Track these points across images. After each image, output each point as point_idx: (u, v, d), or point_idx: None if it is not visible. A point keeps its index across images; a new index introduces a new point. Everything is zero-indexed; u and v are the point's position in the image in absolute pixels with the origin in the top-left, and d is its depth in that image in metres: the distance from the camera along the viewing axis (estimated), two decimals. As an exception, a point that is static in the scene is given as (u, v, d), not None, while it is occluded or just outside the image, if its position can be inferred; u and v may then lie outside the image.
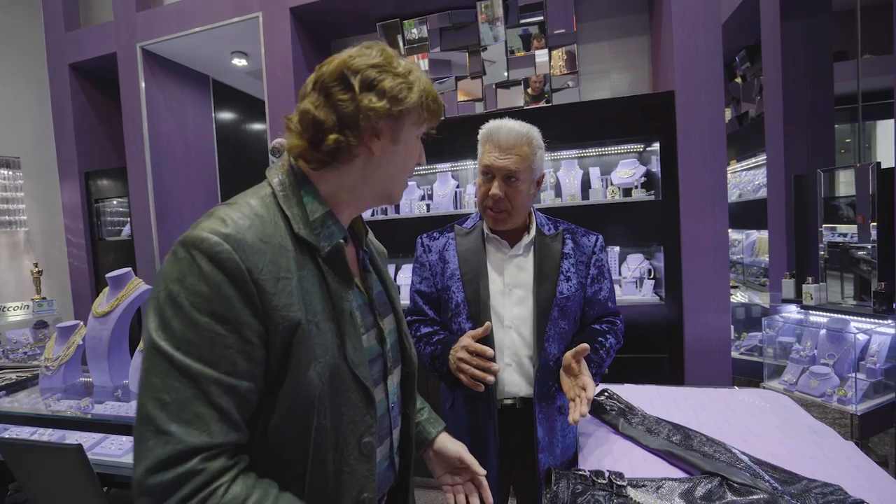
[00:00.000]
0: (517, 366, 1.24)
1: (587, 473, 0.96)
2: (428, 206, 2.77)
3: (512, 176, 1.20)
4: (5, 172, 3.22)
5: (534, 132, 1.21)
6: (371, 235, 0.94)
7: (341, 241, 0.73)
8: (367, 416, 0.73)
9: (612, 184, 2.56)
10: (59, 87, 3.50)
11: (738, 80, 4.24)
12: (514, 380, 1.25)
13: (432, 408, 1.03)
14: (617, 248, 2.57)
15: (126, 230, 3.62)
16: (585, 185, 2.63)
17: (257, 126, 4.33)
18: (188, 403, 0.59)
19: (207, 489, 0.59)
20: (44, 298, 3.15)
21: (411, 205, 2.82)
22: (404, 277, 2.86)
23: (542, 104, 2.77)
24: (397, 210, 2.88)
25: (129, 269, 2.06)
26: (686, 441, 1.13)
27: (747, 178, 4.10)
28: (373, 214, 2.86)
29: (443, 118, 2.74)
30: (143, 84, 3.25)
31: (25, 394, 2.07)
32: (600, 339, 1.25)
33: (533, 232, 1.30)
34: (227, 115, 4.00)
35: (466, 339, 1.13)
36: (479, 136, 1.25)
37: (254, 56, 3.43)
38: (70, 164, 3.51)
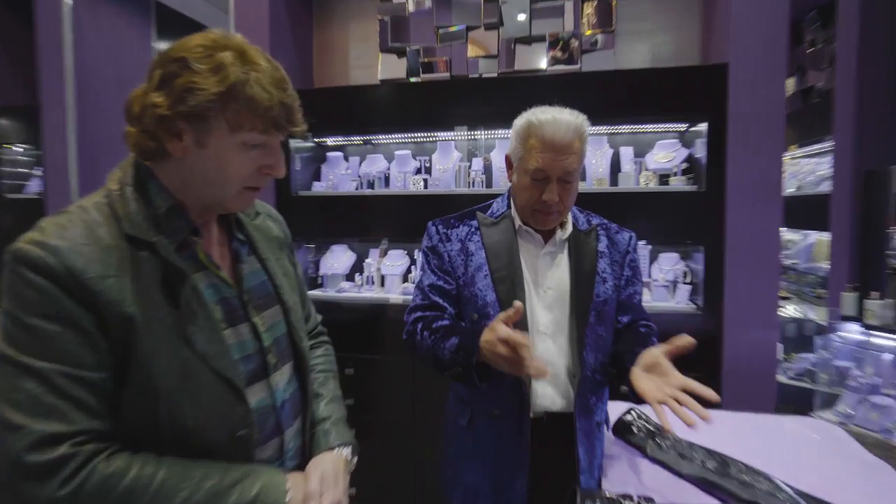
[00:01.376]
0: (552, 377, 1.33)
1: (614, 496, 1.08)
2: (425, 181, 2.81)
3: (569, 178, 1.29)
4: None
5: (584, 121, 1.30)
6: (263, 220, 1.08)
7: (160, 238, 0.85)
8: (237, 409, 0.88)
9: (646, 168, 2.64)
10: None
11: (807, 44, 4.32)
12: (547, 392, 1.34)
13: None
14: (648, 246, 2.65)
15: (32, 186, 3.47)
16: (615, 167, 2.70)
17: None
18: (41, 398, 0.76)
19: (86, 468, 0.77)
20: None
21: (405, 179, 2.84)
22: (391, 266, 2.92)
23: (562, 64, 2.83)
24: (387, 183, 2.92)
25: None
26: (723, 468, 1.25)
27: (808, 168, 4.19)
28: (357, 188, 2.94)
29: (421, 91, 2.81)
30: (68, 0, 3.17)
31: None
32: (643, 341, 1.32)
33: (569, 227, 1.39)
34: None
35: (501, 328, 1.14)
36: (517, 128, 1.33)
37: (214, -20, 3.43)
38: (-42, 97, 3.34)
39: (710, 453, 1.31)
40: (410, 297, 2.84)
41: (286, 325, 1.03)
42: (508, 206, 1.43)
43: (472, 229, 1.43)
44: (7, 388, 0.76)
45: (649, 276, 2.64)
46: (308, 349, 1.08)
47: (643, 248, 2.65)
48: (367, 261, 3.01)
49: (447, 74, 2.99)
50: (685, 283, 2.57)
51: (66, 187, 3.20)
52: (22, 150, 3.56)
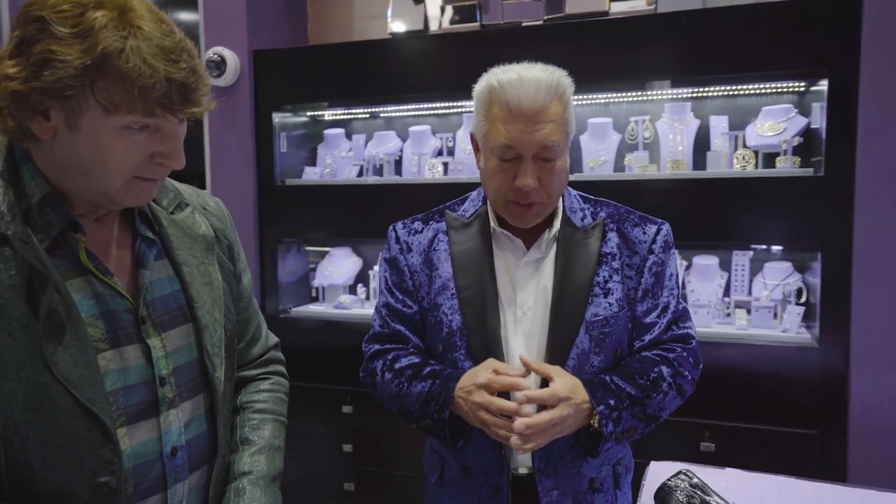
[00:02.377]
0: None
1: None
2: (446, 164, 2.75)
3: (548, 155, 1.23)
4: None
5: (563, 78, 1.25)
6: (189, 214, 1.09)
7: (17, 231, 0.86)
8: (102, 450, 0.87)
9: (745, 145, 2.49)
10: None
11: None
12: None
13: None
14: (749, 252, 2.53)
15: None
16: (702, 144, 2.58)
17: (187, 16, 4.21)
18: None
19: None
20: None
21: (420, 162, 2.78)
22: None
23: (631, 3, 2.60)
24: (398, 170, 2.90)
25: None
26: None
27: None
28: (360, 174, 2.94)
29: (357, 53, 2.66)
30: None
31: None
32: (636, 366, 1.30)
33: (557, 224, 1.34)
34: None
35: (485, 374, 1.20)
36: (477, 95, 1.29)
37: None
38: None
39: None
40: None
41: (197, 348, 1.03)
42: (484, 202, 1.40)
43: (439, 234, 1.41)
44: None
45: (749, 293, 2.52)
46: (222, 381, 1.06)
47: (741, 257, 2.52)
48: (375, 268, 2.96)
49: (476, 24, 2.82)
50: (797, 304, 2.43)
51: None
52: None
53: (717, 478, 1.45)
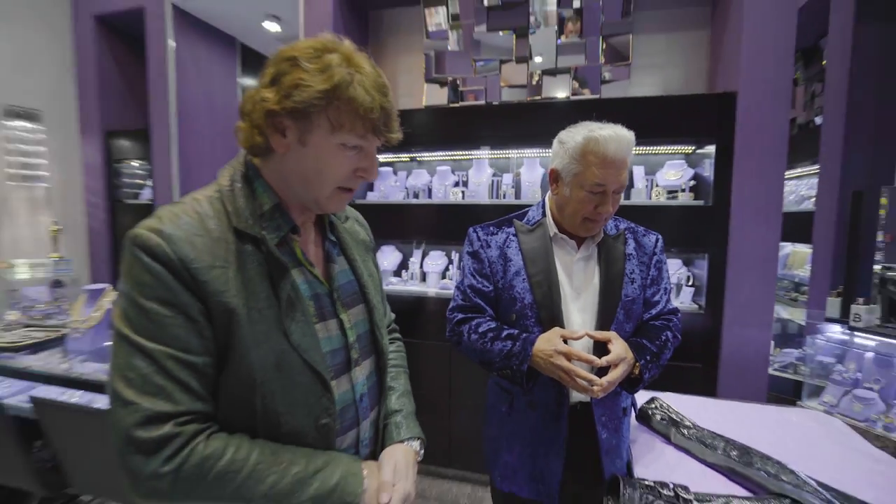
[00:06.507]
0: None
1: (652, 483, 0.97)
2: (463, 192, 2.77)
3: (622, 190, 1.21)
4: (26, 125, 3.23)
5: (632, 136, 1.20)
6: (352, 224, 1.03)
7: (266, 233, 0.81)
8: (322, 399, 0.83)
9: (657, 185, 2.53)
10: (83, 39, 3.51)
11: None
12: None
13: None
14: None
15: (145, 193, 3.67)
16: (628, 183, 2.48)
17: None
18: (150, 378, 0.72)
19: (188, 448, 0.73)
20: (61, 258, 3.18)
21: (445, 190, 2.82)
22: (432, 264, 2.91)
23: (583, 93, 2.73)
24: (430, 194, 2.89)
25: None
26: (745, 457, 1.14)
27: (789, 189, 4.05)
28: (405, 197, 2.88)
29: (464, 104, 2.75)
30: (171, 42, 3.27)
31: (47, 354, 2.11)
32: (653, 332, 1.27)
33: (600, 233, 1.32)
34: (254, 83, 3.98)
35: (559, 342, 1.16)
36: (571, 145, 1.20)
37: (287, 21, 3.42)
38: (92, 120, 3.55)
39: (731, 442, 1.20)
40: (447, 291, 2.78)
41: (369, 322, 0.97)
42: (543, 215, 1.35)
43: (510, 236, 1.34)
44: (122, 365, 0.72)
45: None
46: (387, 346, 1.02)
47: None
48: (411, 259, 2.97)
49: (482, 101, 2.91)
50: (688, 286, 2.47)
51: (170, 194, 3.37)
52: (137, 164, 3.76)
53: (672, 402, 1.53)
